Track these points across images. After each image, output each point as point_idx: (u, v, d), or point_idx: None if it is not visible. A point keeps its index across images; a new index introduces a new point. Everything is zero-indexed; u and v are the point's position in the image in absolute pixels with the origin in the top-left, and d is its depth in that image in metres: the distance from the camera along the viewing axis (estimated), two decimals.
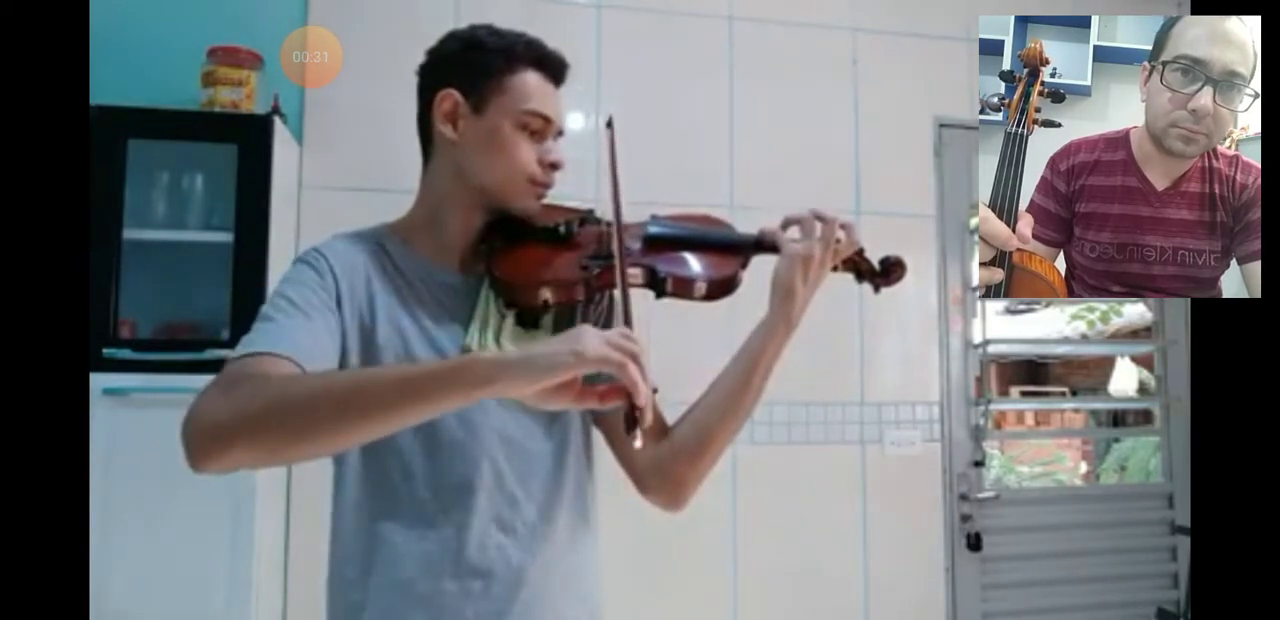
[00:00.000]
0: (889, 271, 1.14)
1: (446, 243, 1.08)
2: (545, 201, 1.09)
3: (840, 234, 1.07)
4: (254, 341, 0.92)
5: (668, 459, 1.09)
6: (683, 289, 1.06)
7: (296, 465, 2.11)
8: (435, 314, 1.04)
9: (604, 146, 1.07)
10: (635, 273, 1.05)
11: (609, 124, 1.08)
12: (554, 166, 1.07)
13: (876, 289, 1.15)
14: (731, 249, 1.10)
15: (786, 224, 1.08)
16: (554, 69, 1.08)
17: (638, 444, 0.83)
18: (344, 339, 0.99)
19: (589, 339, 0.80)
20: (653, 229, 1.10)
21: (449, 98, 1.05)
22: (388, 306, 1.03)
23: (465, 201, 1.07)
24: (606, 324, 1.13)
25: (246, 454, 0.82)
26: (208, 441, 0.81)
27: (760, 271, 1.13)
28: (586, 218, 1.10)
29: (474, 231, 1.08)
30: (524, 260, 1.05)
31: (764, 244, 1.07)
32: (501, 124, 1.04)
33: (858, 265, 1.13)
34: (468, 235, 1.08)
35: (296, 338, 0.93)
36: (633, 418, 0.81)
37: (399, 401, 0.81)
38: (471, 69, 1.05)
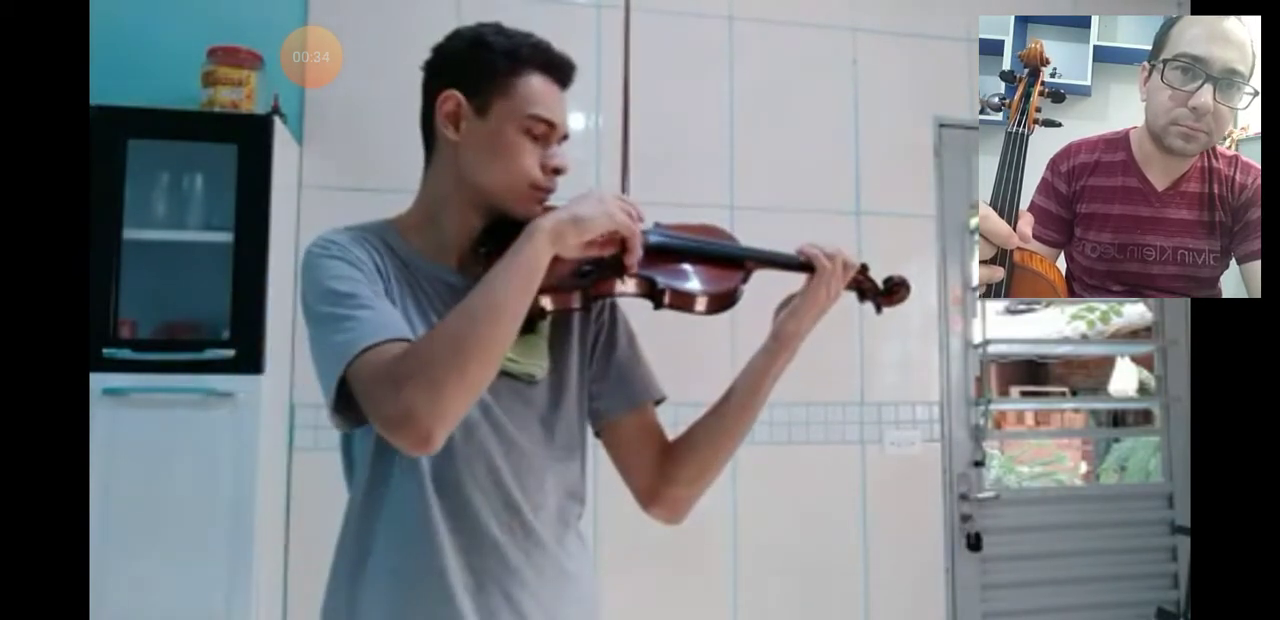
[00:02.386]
0: (893, 292, 1.16)
1: (445, 242, 1.08)
2: (546, 205, 1.08)
3: (846, 259, 1.11)
4: (356, 339, 0.93)
5: (670, 480, 1.12)
6: (682, 303, 1.06)
7: (295, 464, 2.12)
8: (439, 310, 1.04)
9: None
10: (632, 283, 1.04)
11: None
12: (557, 171, 1.06)
13: (879, 309, 1.16)
14: (735, 263, 1.09)
15: (806, 257, 1.10)
16: (560, 72, 1.07)
17: (631, 286, 1.03)
18: None
19: (614, 206, 0.99)
20: (654, 238, 1.07)
21: (451, 98, 1.04)
22: (400, 297, 1.03)
23: (464, 202, 1.06)
24: (609, 338, 1.14)
25: (459, 407, 0.90)
26: (427, 422, 0.87)
27: (761, 278, 1.13)
28: None
29: (472, 232, 1.07)
30: None
31: (793, 265, 1.11)
32: (505, 128, 1.03)
33: (860, 284, 1.14)
34: (465, 236, 1.07)
35: (388, 322, 0.95)
36: (623, 266, 1.00)
37: (522, 291, 0.94)
38: (475, 70, 1.04)
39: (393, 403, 0.88)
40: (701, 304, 1.06)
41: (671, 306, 1.06)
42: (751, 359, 1.11)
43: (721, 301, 1.07)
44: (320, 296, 0.97)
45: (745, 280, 1.08)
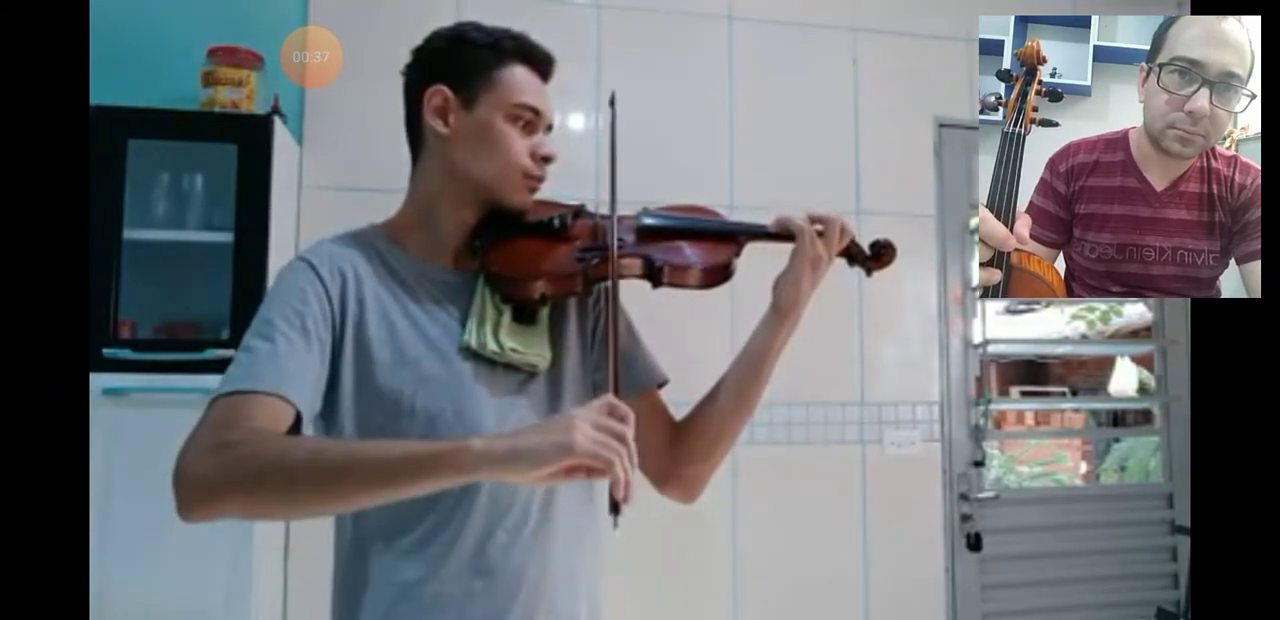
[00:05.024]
0: (880, 254, 1.16)
1: (439, 240, 1.08)
2: (537, 197, 1.10)
3: (829, 220, 1.10)
4: (238, 377, 0.92)
5: (682, 459, 1.13)
6: (679, 277, 1.07)
7: None
8: (432, 312, 1.04)
9: (606, 125, 1.09)
10: (632, 263, 1.06)
11: (611, 102, 1.10)
12: (546, 159, 1.08)
13: (869, 272, 1.18)
14: (727, 237, 1.11)
15: (781, 225, 1.10)
16: (541, 63, 1.09)
17: (615, 532, 0.85)
18: (336, 349, 0.99)
19: (578, 433, 0.80)
20: (646, 220, 1.11)
21: (439, 93, 1.05)
22: (381, 307, 1.02)
23: (457, 198, 1.07)
24: (605, 327, 1.14)
25: (233, 511, 0.85)
26: (196, 497, 0.85)
27: (757, 266, 1.13)
28: (580, 211, 1.11)
29: (466, 228, 1.08)
30: (519, 254, 1.06)
31: (782, 234, 1.09)
32: (493, 118, 1.05)
33: (849, 250, 1.15)
34: (460, 232, 1.08)
35: (281, 370, 0.92)
36: (614, 501, 0.82)
37: (383, 483, 0.83)
38: (460, 64, 1.06)
39: (194, 458, 0.85)
40: (700, 277, 1.08)
41: (671, 283, 1.08)
42: (753, 333, 1.12)
43: (718, 273, 1.09)
44: (258, 316, 0.98)
45: (738, 254, 1.10)
